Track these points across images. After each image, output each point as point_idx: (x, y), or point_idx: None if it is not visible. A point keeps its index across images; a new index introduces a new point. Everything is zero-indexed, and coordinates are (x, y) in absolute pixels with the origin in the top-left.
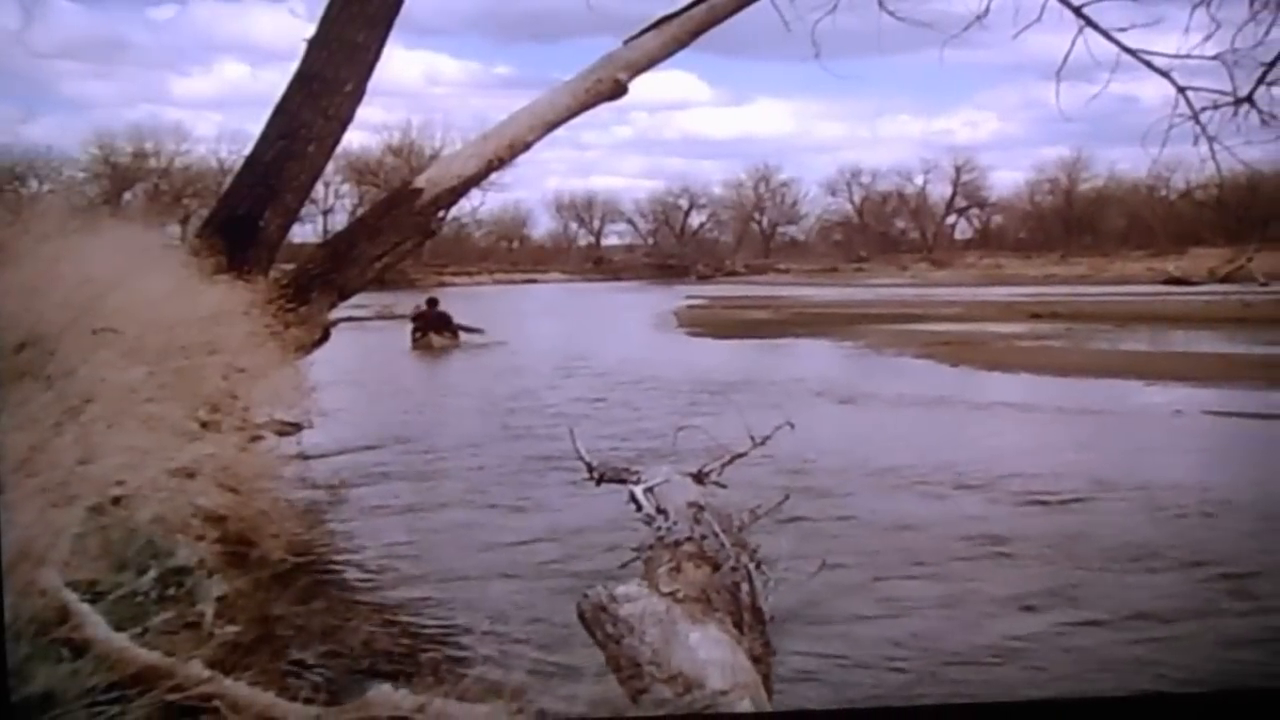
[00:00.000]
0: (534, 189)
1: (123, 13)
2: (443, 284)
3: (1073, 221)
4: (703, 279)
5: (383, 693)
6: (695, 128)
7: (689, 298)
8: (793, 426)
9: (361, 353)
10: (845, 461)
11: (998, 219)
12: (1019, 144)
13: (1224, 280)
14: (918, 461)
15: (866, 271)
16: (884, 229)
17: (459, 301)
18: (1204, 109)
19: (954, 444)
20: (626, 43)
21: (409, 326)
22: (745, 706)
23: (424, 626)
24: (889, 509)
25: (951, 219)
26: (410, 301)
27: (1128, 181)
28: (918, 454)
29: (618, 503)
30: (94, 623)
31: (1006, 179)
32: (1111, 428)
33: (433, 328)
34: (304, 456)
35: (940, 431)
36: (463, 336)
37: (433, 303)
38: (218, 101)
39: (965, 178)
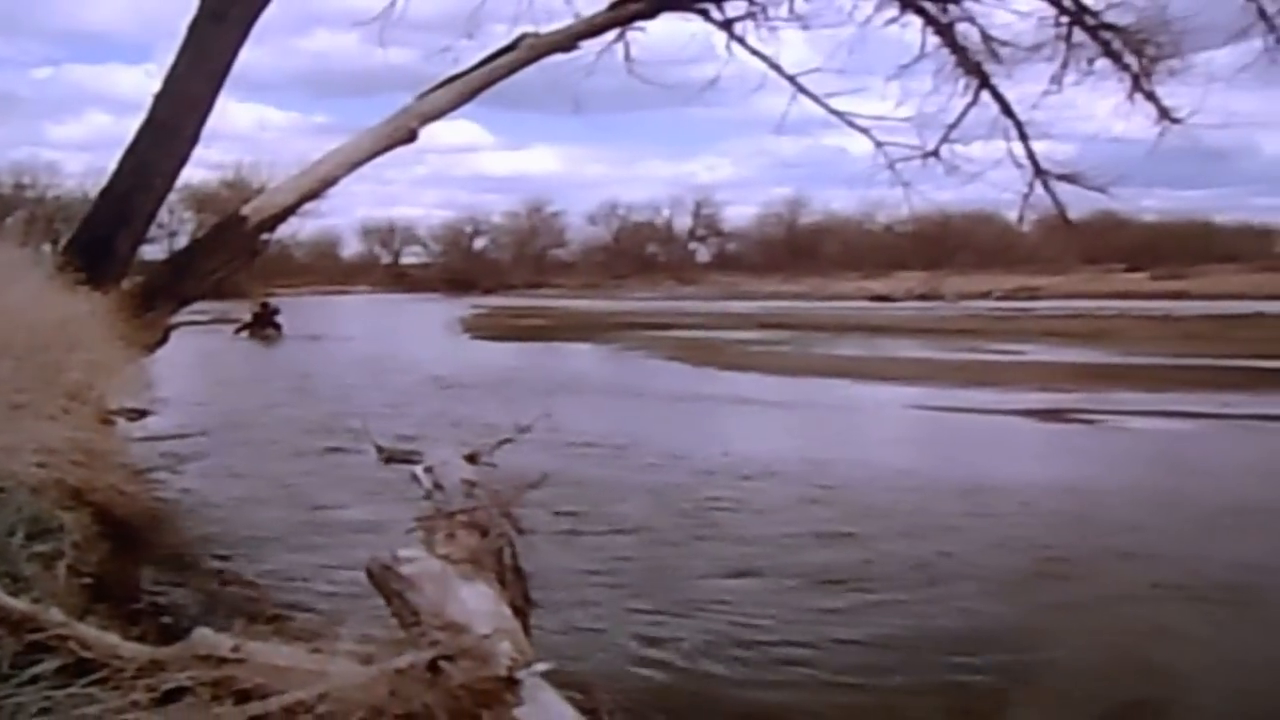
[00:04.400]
0: (345, 216)
1: (9, 72)
2: (269, 294)
3: (795, 248)
4: (486, 292)
5: (204, 635)
6: (480, 167)
7: (474, 307)
8: (550, 416)
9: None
10: (599, 443)
11: (733, 245)
12: (751, 185)
13: (921, 298)
14: (652, 443)
15: (624, 287)
16: (638, 252)
17: (283, 309)
18: (899, 160)
19: (692, 430)
20: (419, 98)
21: (248, 320)
22: (505, 648)
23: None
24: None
25: (693, 245)
26: (242, 310)
27: (841, 216)
28: (658, 438)
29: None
30: None
31: (741, 213)
32: (822, 418)
33: (265, 324)
34: (150, 438)
35: (683, 420)
36: (285, 331)
37: (265, 306)
38: (85, 144)
39: (705, 211)
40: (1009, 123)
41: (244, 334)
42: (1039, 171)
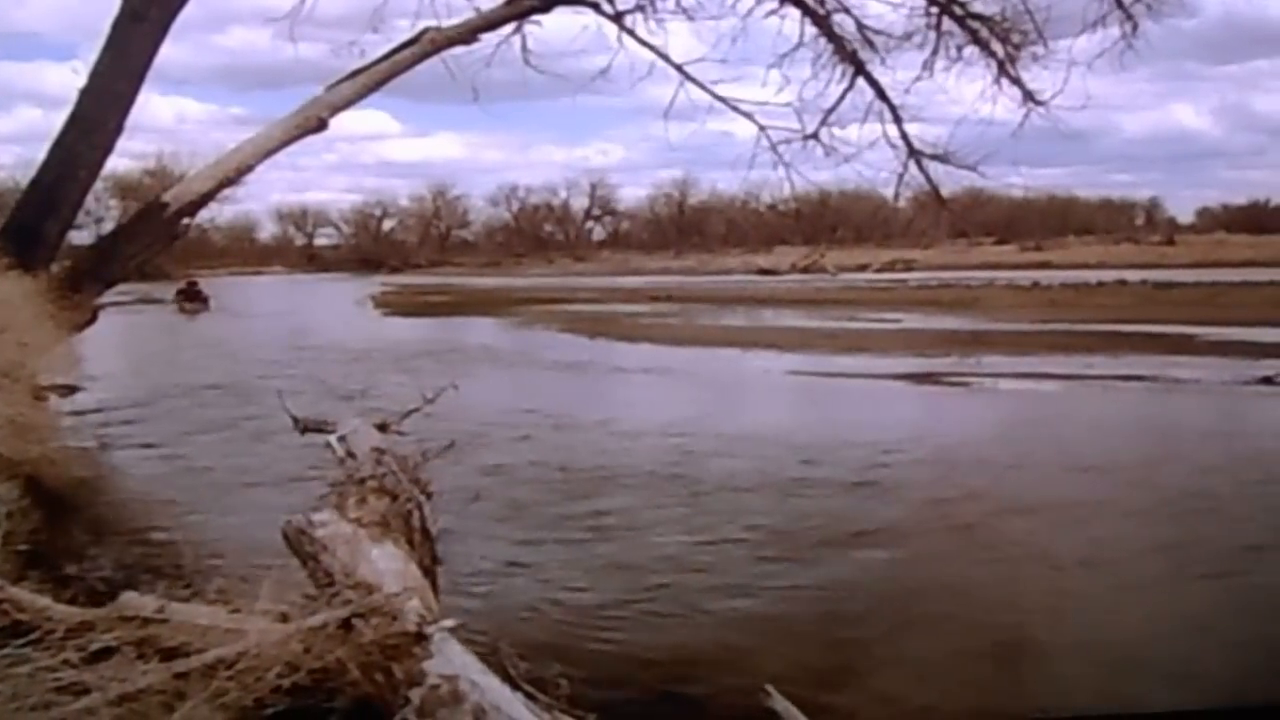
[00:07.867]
0: (261, 201)
1: None
2: (190, 275)
3: (684, 226)
4: (394, 271)
5: (130, 598)
6: (387, 154)
7: (384, 286)
8: (457, 388)
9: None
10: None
11: (625, 224)
12: (641, 167)
13: (802, 271)
14: (555, 409)
15: (522, 265)
16: (536, 232)
17: (205, 287)
18: (780, 142)
19: (587, 397)
20: (328, 89)
21: (174, 294)
22: (414, 605)
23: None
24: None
25: (589, 224)
26: (165, 289)
27: (726, 196)
28: (556, 404)
29: None
30: None
31: (632, 194)
32: (707, 384)
33: (190, 298)
34: (79, 413)
35: (579, 388)
36: (212, 304)
37: (191, 283)
38: (16, 137)
39: (599, 193)
40: (883, 106)
41: (176, 308)
42: (912, 152)
